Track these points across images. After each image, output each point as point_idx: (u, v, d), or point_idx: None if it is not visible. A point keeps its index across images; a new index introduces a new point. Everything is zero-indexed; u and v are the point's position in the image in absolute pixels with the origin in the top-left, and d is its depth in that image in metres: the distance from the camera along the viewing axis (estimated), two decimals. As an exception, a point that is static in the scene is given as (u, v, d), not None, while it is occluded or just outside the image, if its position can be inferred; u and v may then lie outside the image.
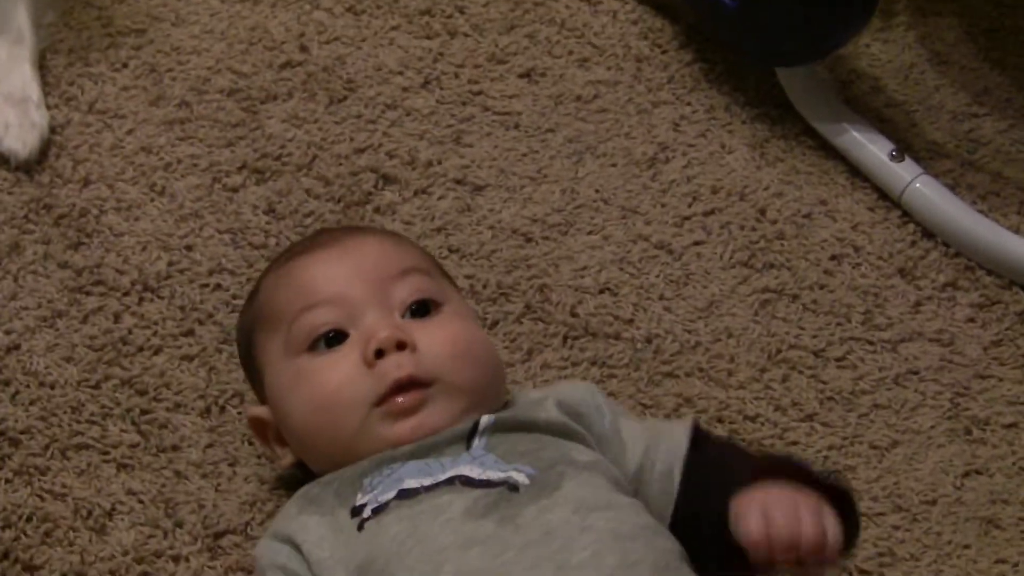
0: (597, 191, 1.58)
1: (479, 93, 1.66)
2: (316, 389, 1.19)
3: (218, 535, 1.26)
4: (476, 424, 1.17)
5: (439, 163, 1.57)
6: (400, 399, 1.17)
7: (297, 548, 1.13)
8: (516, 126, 1.63)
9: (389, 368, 1.17)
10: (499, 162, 1.59)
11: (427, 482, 1.13)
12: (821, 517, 1.07)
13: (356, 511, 1.13)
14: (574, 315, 1.46)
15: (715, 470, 1.16)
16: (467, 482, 1.12)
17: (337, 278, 1.23)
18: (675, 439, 1.18)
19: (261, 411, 1.26)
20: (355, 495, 1.14)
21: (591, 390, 1.24)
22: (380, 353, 1.17)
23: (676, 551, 1.10)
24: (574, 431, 1.18)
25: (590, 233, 1.54)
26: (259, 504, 1.29)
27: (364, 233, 1.35)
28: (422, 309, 1.22)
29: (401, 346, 1.18)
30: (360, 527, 1.12)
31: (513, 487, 1.11)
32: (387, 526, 1.11)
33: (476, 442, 1.16)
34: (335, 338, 1.20)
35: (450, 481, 1.12)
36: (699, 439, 1.18)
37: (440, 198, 1.54)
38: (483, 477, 1.12)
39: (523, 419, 1.18)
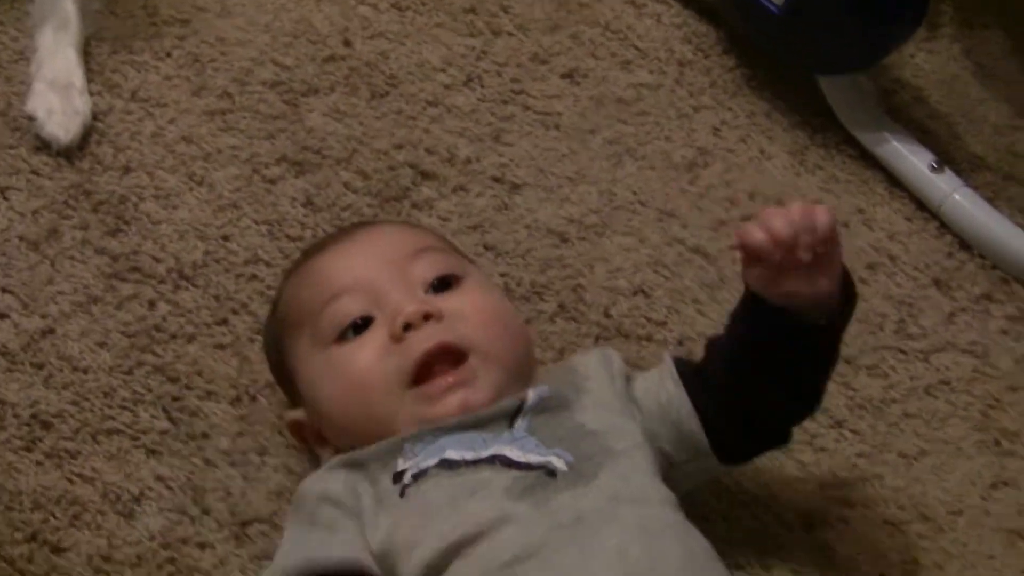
0: (635, 193, 1.58)
1: (520, 92, 1.66)
2: (346, 373, 1.20)
3: (245, 523, 1.27)
4: (521, 403, 1.17)
5: (478, 161, 1.58)
6: (438, 381, 1.17)
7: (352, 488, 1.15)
8: (556, 126, 1.63)
9: (418, 340, 1.18)
10: (538, 161, 1.59)
11: (469, 456, 1.14)
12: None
13: (398, 476, 1.14)
14: (607, 316, 1.46)
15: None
16: (507, 463, 1.13)
17: (355, 266, 1.24)
18: (665, 385, 1.20)
19: (297, 414, 1.26)
20: (396, 459, 1.15)
21: (603, 357, 1.24)
22: (408, 327, 1.18)
23: (706, 549, 1.11)
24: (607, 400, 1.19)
25: (626, 235, 1.54)
26: (287, 494, 1.29)
27: (375, 223, 1.37)
28: (444, 284, 1.23)
29: (427, 317, 1.18)
30: (402, 493, 1.13)
31: (551, 472, 1.12)
32: (426, 492, 1.12)
33: (519, 422, 1.16)
34: (362, 324, 1.21)
35: (491, 459, 1.13)
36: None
37: (478, 195, 1.54)
38: (523, 460, 1.13)
39: (562, 395, 1.18)
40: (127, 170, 1.50)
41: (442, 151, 1.58)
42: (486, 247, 1.50)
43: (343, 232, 1.34)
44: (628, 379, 1.23)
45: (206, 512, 1.27)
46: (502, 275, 1.47)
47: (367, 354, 1.19)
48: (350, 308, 1.21)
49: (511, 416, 1.17)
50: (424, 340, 1.17)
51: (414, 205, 1.52)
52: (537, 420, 1.16)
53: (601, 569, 1.05)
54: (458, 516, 1.09)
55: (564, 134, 1.63)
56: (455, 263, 1.26)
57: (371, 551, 1.12)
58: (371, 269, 1.23)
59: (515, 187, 1.56)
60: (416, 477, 1.13)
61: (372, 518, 1.13)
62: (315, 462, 1.27)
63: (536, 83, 1.67)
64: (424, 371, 1.18)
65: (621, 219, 1.55)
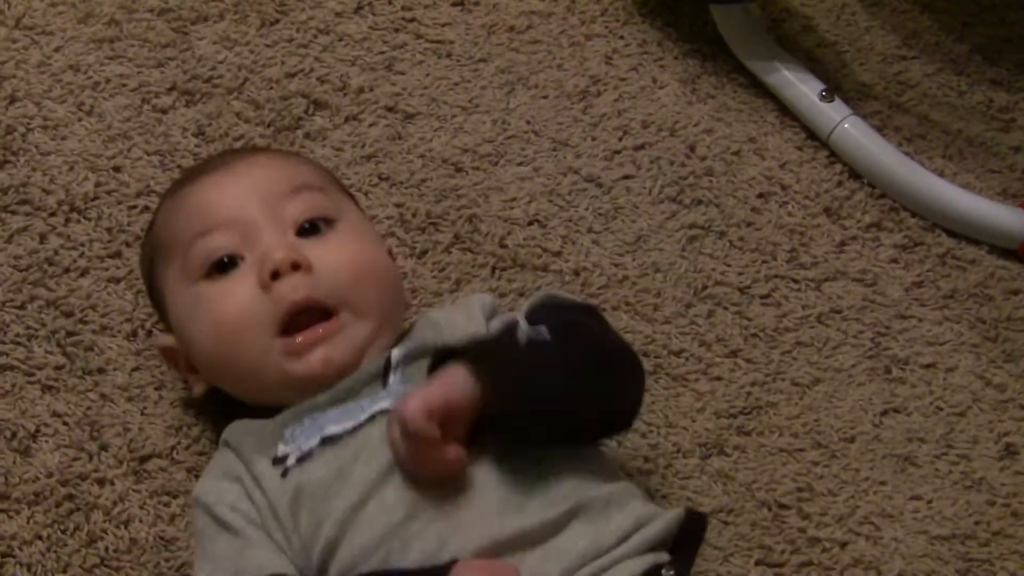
0: (528, 122, 1.58)
1: (412, 20, 1.64)
2: (215, 317, 1.18)
3: (143, 459, 1.27)
4: (388, 360, 1.17)
5: (371, 90, 1.56)
6: (299, 339, 1.16)
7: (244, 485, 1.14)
8: (448, 55, 1.62)
9: (285, 291, 1.16)
10: (431, 90, 1.58)
11: (349, 425, 1.13)
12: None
13: (278, 460, 1.13)
14: (503, 246, 1.46)
15: None
16: (387, 414, 1.13)
17: (229, 200, 1.22)
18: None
19: (168, 340, 1.25)
20: (276, 445, 1.14)
21: (483, 303, 1.24)
22: (276, 275, 1.17)
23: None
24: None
25: (520, 164, 1.54)
26: (185, 428, 1.29)
27: (255, 153, 1.33)
28: (316, 227, 1.22)
29: (296, 267, 1.17)
30: (284, 475, 1.12)
31: None
32: (312, 472, 1.11)
33: (392, 377, 1.16)
34: (231, 262, 1.19)
35: (371, 418, 1.13)
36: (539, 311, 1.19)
37: (371, 125, 1.53)
38: None
39: (430, 345, 1.17)
40: (13, 100, 1.47)
41: (334, 80, 1.56)
42: (380, 177, 1.49)
43: (222, 158, 1.31)
44: (494, 315, 1.23)
45: (104, 448, 1.27)
46: (397, 205, 1.47)
47: (237, 297, 1.17)
48: (219, 244, 1.19)
49: (383, 375, 1.17)
50: (292, 291, 1.16)
51: (307, 135, 1.51)
52: (410, 369, 1.16)
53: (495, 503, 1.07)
54: (347, 486, 1.09)
55: (456, 63, 1.62)
56: (330, 205, 1.24)
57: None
58: (244, 205, 1.21)
59: (408, 116, 1.55)
60: (300, 460, 1.12)
61: (270, 520, 1.12)
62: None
63: (427, 11, 1.66)
64: (292, 322, 1.17)
65: (515, 148, 1.55)
